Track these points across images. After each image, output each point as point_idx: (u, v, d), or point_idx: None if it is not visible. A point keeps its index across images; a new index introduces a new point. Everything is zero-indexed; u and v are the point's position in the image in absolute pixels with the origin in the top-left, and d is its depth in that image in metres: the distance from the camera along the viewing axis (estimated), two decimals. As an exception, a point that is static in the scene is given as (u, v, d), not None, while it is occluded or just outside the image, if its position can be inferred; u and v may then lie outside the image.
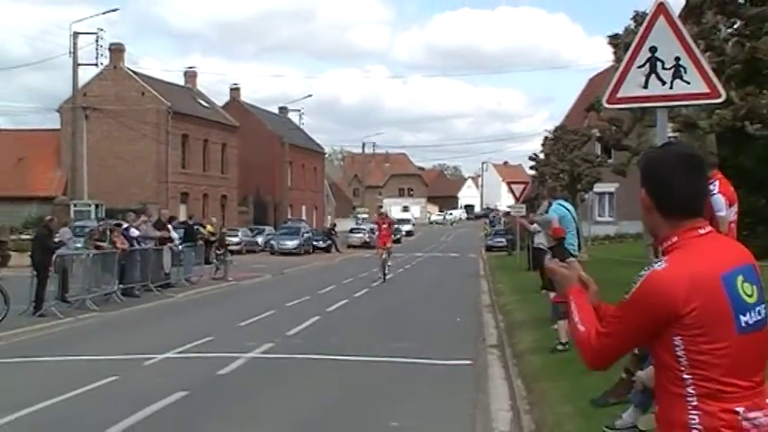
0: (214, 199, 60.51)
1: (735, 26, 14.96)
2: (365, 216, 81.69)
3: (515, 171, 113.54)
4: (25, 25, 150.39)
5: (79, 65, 43.14)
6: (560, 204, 12.92)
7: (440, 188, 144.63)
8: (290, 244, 49.83)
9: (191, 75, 66.20)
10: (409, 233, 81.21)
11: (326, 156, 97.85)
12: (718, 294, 2.36)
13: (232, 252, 32.87)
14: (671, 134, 10.79)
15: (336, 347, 12.81)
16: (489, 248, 50.49)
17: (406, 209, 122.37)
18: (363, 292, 23.32)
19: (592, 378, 7.43)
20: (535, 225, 15.08)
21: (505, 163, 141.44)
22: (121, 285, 20.21)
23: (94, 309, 17.96)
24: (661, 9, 6.83)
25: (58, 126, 52.33)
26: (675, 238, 2.49)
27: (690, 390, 2.36)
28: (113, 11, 54.29)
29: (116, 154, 50.98)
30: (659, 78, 6.71)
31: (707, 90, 6.76)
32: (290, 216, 69.14)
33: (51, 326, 15.83)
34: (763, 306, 2.46)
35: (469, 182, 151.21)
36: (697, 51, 6.91)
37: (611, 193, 48.12)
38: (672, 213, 2.52)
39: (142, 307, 19.45)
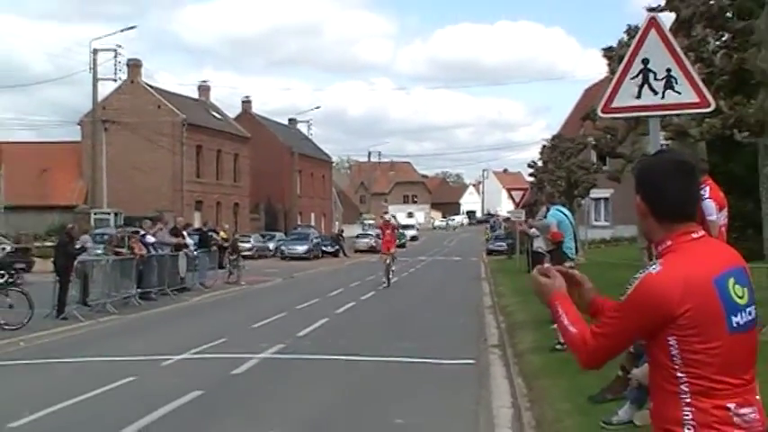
0: (227, 207, 60.53)
1: (723, 39, 14.93)
2: (371, 222, 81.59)
3: (515, 178, 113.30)
4: (48, 43, 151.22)
5: (99, 80, 43.32)
6: (558, 210, 12.89)
7: (443, 195, 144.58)
8: (300, 249, 49.83)
9: (204, 88, 66.31)
10: (414, 238, 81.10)
11: (334, 164, 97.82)
12: (710, 296, 2.36)
13: (244, 257, 32.92)
14: (663, 142, 10.77)
15: (344, 348, 12.80)
16: (490, 252, 50.42)
17: (410, 215, 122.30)
18: (370, 294, 23.30)
19: (589, 376, 7.39)
20: (534, 230, 15.06)
21: (505, 170, 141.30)
22: (139, 289, 20.23)
23: (114, 312, 17.99)
24: (653, 23, 6.84)
25: (79, 138, 52.42)
26: (670, 242, 2.49)
27: (683, 387, 2.35)
28: (131, 28, 54.87)
29: (134, 164, 51.04)
30: (652, 89, 6.71)
31: (697, 100, 6.76)
32: (299, 222, 69.16)
33: (73, 328, 15.87)
34: (753, 307, 2.46)
35: (471, 189, 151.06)
36: (687, 63, 6.91)
37: (606, 199, 48.02)
38: (666, 218, 2.51)
39: (159, 310, 19.48)
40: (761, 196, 10.28)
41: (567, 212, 12.99)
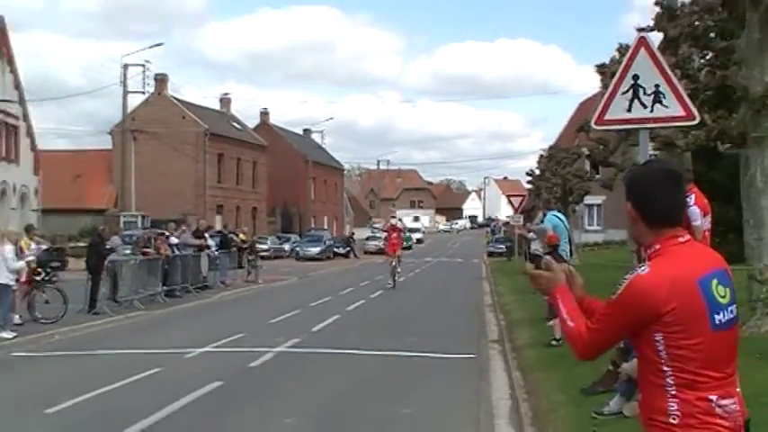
0: (246, 210, 60.58)
1: (707, 57, 14.95)
2: (380, 225, 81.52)
3: (514, 185, 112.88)
4: (83, 60, 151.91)
5: (129, 93, 43.39)
6: (554, 215, 12.87)
7: (447, 200, 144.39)
8: (314, 250, 49.80)
9: (225, 100, 66.38)
10: (420, 241, 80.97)
11: (345, 172, 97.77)
12: (694, 296, 2.36)
13: (262, 258, 32.90)
14: (652, 152, 10.75)
15: (355, 343, 12.78)
16: (491, 254, 50.26)
17: (416, 219, 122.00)
18: (378, 293, 23.26)
19: (582, 370, 7.41)
20: (532, 233, 15.05)
21: (505, 178, 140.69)
22: (165, 287, 20.28)
23: (141, 308, 18.03)
24: (642, 42, 6.85)
25: (110, 147, 52.49)
26: (658, 246, 2.49)
27: (669, 380, 2.36)
28: (158, 45, 55.19)
29: (160, 171, 51.11)
30: (641, 103, 6.71)
31: (683, 113, 6.77)
32: (313, 226, 69.10)
33: (104, 323, 15.90)
34: (734, 306, 2.46)
35: (473, 195, 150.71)
36: (674, 79, 6.91)
37: (599, 205, 47.96)
38: (654, 223, 2.51)
39: (183, 306, 19.51)
40: (742, 203, 10.25)
41: (562, 217, 12.96)
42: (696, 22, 13.48)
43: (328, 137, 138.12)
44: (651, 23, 13.94)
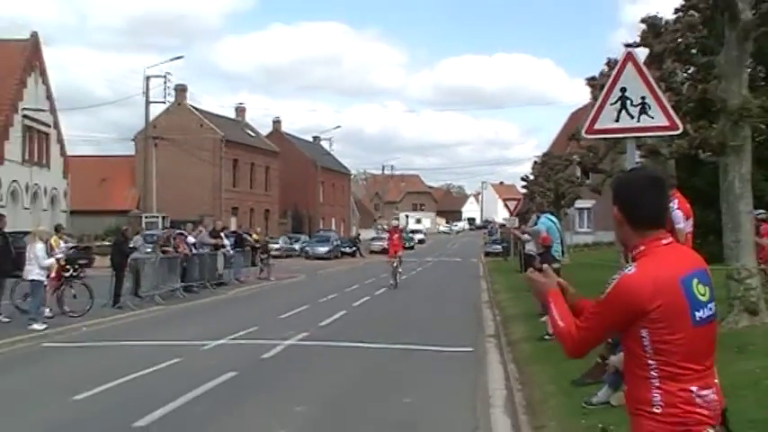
0: (259, 212, 60.61)
1: (689, 71, 14.95)
2: (384, 227, 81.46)
3: (509, 189, 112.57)
4: (108, 71, 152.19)
5: (150, 102, 43.37)
6: (547, 218, 12.91)
7: (447, 204, 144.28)
8: (322, 250, 49.80)
9: (240, 109, 66.43)
10: (421, 241, 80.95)
11: (352, 177, 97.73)
12: (677, 294, 2.37)
13: (274, 256, 32.91)
14: (638, 160, 10.75)
15: (360, 337, 12.78)
16: (487, 254, 50.22)
17: (418, 221, 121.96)
18: (382, 290, 23.22)
19: (572, 362, 7.34)
20: (526, 235, 15.06)
21: (501, 183, 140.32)
22: (183, 283, 20.30)
23: (161, 303, 18.06)
24: (629, 57, 6.87)
25: (133, 153, 52.60)
26: (643, 247, 2.50)
27: (653, 373, 2.36)
28: (179, 58, 54.95)
29: (179, 175, 51.18)
30: (629, 113, 6.73)
31: (667, 123, 6.78)
32: (321, 227, 69.13)
33: (127, 316, 15.95)
34: (713, 303, 2.47)
35: (471, 198, 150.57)
36: (659, 91, 6.93)
37: (589, 209, 47.83)
38: (639, 226, 2.52)
39: (200, 302, 19.53)
40: (721, 207, 10.25)
41: (554, 220, 13.00)
42: (679, 39, 13.49)
43: (336, 144, 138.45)
44: (638, 40, 13.94)
